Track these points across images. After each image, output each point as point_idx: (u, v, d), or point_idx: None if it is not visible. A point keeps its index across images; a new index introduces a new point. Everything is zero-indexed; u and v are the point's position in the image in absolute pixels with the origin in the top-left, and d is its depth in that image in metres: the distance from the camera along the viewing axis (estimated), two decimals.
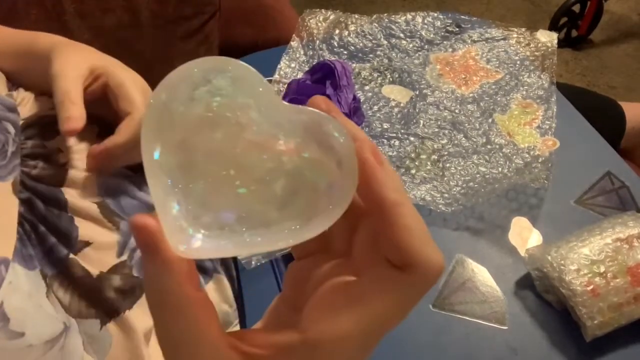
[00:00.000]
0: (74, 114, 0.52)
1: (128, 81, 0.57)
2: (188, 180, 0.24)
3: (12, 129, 0.51)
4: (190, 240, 0.23)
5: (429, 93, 0.84)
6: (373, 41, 0.93)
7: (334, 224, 0.24)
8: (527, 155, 0.74)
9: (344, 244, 0.28)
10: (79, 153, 0.55)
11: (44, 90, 0.60)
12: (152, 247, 0.23)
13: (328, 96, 0.72)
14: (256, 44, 1.03)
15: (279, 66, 0.88)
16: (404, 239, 0.24)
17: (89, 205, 0.52)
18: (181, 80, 0.24)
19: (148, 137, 0.23)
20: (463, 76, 0.87)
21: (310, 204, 0.25)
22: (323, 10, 0.97)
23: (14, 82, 0.60)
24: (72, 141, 0.56)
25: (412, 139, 0.77)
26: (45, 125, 0.55)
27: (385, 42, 0.93)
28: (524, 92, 0.84)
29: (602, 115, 0.96)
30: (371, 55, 0.91)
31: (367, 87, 0.86)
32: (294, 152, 0.25)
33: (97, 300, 0.48)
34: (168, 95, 0.24)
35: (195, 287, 0.23)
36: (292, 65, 0.89)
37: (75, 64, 0.56)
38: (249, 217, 0.24)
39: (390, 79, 0.87)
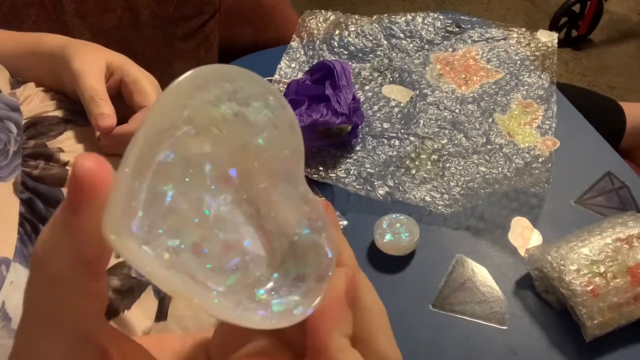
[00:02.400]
0: (107, 110, 0.53)
1: (142, 77, 0.58)
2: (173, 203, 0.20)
3: (14, 129, 0.51)
4: (133, 239, 0.18)
5: (429, 93, 0.84)
6: (373, 41, 0.93)
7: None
8: (527, 155, 0.74)
9: (292, 337, 0.24)
10: (80, 153, 0.55)
11: (48, 88, 0.60)
12: (78, 202, 0.17)
13: (327, 96, 0.72)
14: (256, 44, 1.03)
15: (279, 66, 0.88)
16: None
17: None
18: (214, 93, 0.21)
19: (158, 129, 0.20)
20: (463, 76, 0.87)
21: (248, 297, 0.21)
22: (323, 11, 0.97)
23: (17, 80, 0.60)
24: (74, 140, 0.56)
25: (412, 138, 0.77)
26: (48, 125, 0.55)
27: (385, 42, 0.93)
28: (524, 92, 0.84)
29: (602, 115, 0.96)
30: (371, 55, 0.91)
31: (367, 87, 0.86)
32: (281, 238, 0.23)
33: None
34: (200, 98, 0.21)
35: (91, 274, 0.19)
36: (292, 66, 0.89)
37: (94, 61, 0.57)
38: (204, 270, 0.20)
39: (391, 79, 0.87)
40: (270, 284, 0.22)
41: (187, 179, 0.21)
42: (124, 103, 0.59)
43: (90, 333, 0.20)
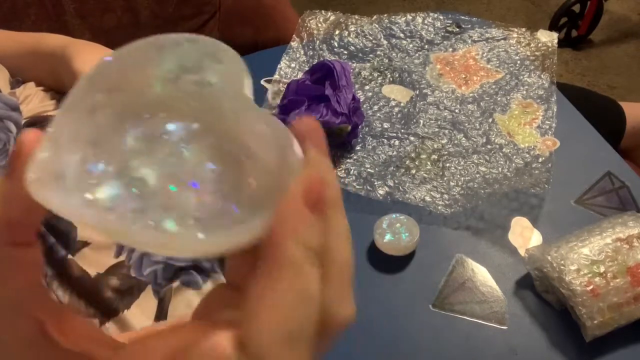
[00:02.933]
0: None
1: None
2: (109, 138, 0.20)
3: (14, 128, 0.51)
4: (52, 179, 0.18)
5: (429, 93, 0.84)
6: (373, 41, 0.93)
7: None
8: (527, 155, 0.74)
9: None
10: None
11: (48, 87, 0.60)
12: (12, 166, 0.18)
13: (327, 96, 0.72)
14: (256, 44, 1.03)
15: (279, 66, 0.88)
16: (268, 320, 0.18)
17: None
18: (170, 52, 0.22)
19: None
20: (463, 76, 0.87)
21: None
22: (323, 12, 0.97)
23: (17, 80, 0.60)
24: None
25: (412, 138, 0.77)
26: (48, 124, 0.55)
27: (385, 42, 0.93)
28: (524, 92, 0.84)
29: (602, 115, 0.96)
30: (371, 55, 0.91)
31: (367, 87, 0.86)
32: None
33: (95, 300, 0.48)
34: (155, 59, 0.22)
35: (19, 239, 0.19)
36: (292, 66, 0.89)
37: (95, 61, 0.57)
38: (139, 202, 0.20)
39: (391, 79, 0.87)
40: (234, 210, 0.21)
41: (148, 143, 0.21)
42: None
43: (22, 304, 0.19)
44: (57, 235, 0.49)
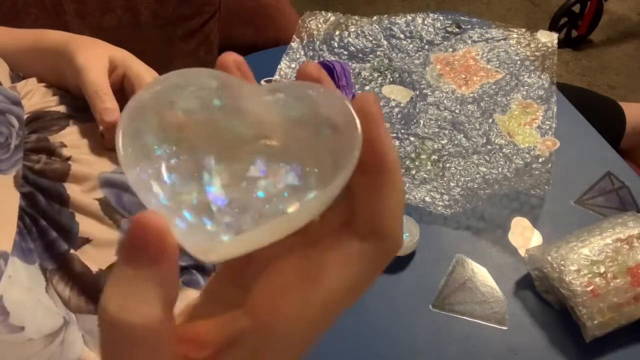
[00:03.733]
0: (111, 105, 0.54)
1: (145, 72, 0.58)
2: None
3: (16, 123, 0.51)
4: (215, 235, 0.21)
5: (429, 93, 0.84)
6: (373, 42, 0.93)
7: None
8: (527, 156, 0.74)
9: None
10: (83, 148, 0.55)
11: (50, 83, 0.60)
12: (157, 251, 0.19)
13: None
14: (256, 44, 1.03)
15: (279, 66, 0.88)
16: (390, 208, 0.22)
17: (91, 201, 0.52)
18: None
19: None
20: (463, 76, 0.87)
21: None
22: (323, 12, 0.97)
23: (18, 75, 0.60)
24: (76, 136, 0.56)
25: (412, 139, 0.77)
26: (50, 119, 0.55)
27: (385, 42, 0.93)
28: (524, 92, 0.84)
29: (602, 115, 0.96)
30: (371, 56, 0.91)
31: (367, 87, 0.86)
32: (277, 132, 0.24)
33: (96, 296, 0.48)
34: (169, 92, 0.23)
35: (172, 317, 0.20)
36: (292, 66, 0.89)
37: (98, 56, 0.57)
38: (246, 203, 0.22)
39: (391, 79, 0.87)
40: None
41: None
42: (127, 98, 0.59)
43: None
44: (59, 230, 0.49)
